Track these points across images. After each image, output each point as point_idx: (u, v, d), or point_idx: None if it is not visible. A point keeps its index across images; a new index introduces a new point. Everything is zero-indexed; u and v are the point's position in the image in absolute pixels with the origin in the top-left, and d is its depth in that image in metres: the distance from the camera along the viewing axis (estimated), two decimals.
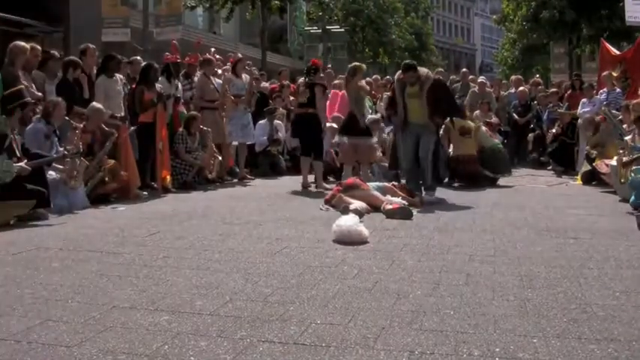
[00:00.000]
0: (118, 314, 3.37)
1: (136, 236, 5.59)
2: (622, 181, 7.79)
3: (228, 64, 11.20)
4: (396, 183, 7.88)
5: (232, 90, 10.37)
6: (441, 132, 10.02)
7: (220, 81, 10.54)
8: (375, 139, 9.56)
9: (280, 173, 11.39)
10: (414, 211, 6.84)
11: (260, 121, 11.44)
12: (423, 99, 7.91)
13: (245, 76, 10.87)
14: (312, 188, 9.19)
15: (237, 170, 10.78)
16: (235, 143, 10.73)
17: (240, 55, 11.56)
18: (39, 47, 8.53)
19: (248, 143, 10.91)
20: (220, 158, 10.05)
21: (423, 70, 8.19)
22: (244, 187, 9.86)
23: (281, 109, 12.24)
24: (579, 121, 11.25)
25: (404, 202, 7.08)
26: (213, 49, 12.71)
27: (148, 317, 3.32)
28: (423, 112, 7.93)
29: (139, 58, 10.41)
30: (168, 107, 9.50)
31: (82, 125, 7.72)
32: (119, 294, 3.75)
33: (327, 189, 8.72)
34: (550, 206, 7.58)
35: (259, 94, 11.84)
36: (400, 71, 8.21)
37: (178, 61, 10.41)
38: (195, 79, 10.64)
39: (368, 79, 15.26)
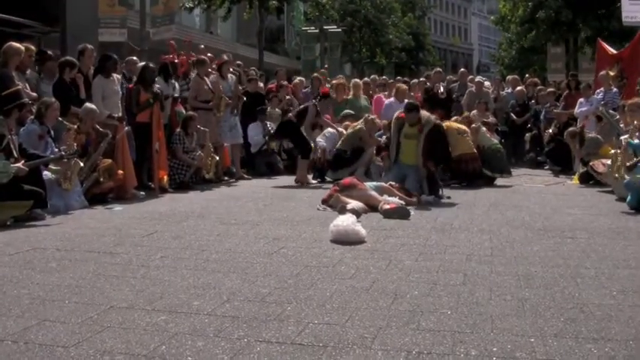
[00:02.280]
0: (116, 314, 3.37)
1: (133, 236, 5.59)
2: (616, 176, 7.80)
3: (214, 65, 11.19)
4: (393, 183, 7.88)
5: None
6: None
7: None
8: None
9: (277, 173, 11.38)
10: (412, 211, 6.84)
11: (252, 124, 11.44)
12: (421, 142, 8.10)
13: (231, 77, 10.88)
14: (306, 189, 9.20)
15: (234, 170, 10.79)
16: (227, 145, 10.76)
17: (225, 57, 11.56)
18: (33, 47, 8.51)
19: (241, 143, 10.97)
20: (217, 158, 10.05)
21: (424, 113, 8.36)
22: (241, 187, 9.86)
23: (277, 109, 12.24)
24: (566, 130, 11.15)
25: (401, 201, 7.09)
26: (202, 46, 12.70)
27: (146, 317, 3.32)
28: (416, 154, 8.13)
29: (134, 58, 10.39)
30: (165, 107, 9.50)
31: (75, 126, 7.71)
32: (116, 294, 3.75)
33: (309, 183, 9.38)
34: (547, 206, 7.59)
35: (255, 95, 11.83)
36: (401, 110, 8.38)
37: (176, 61, 10.41)
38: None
39: (365, 79, 15.33)
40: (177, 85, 10.16)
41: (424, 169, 8.12)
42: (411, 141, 8.17)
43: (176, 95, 10.04)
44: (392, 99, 12.17)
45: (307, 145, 9.95)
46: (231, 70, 11.32)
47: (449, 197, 8.07)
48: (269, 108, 11.95)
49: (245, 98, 11.23)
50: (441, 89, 13.45)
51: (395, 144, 8.29)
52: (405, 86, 12.52)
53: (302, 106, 10.48)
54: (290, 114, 10.42)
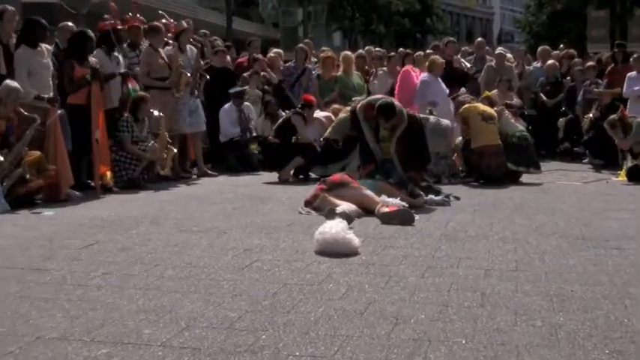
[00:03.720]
0: (44, 347, 3.33)
1: (68, 248, 5.55)
2: None
3: (170, 34, 11.16)
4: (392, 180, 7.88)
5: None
6: (454, 123, 10.15)
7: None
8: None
9: (251, 168, 11.36)
10: (416, 215, 6.84)
11: (224, 106, 11.41)
12: (393, 145, 8.06)
13: (191, 49, 10.83)
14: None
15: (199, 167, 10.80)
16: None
17: (185, 24, 11.52)
18: None
19: (203, 131, 11.01)
20: (175, 150, 10.01)
21: (398, 109, 8.07)
22: (205, 185, 9.83)
23: (256, 90, 12.22)
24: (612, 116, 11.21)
25: (403, 203, 7.09)
26: (161, 12, 12.61)
27: (83, 350, 3.29)
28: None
29: (69, 24, 10.30)
30: (111, 87, 9.44)
31: None
32: (45, 322, 3.72)
33: (287, 180, 9.63)
34: (586, 209, 7.62)
35: (222, 71, 11.80)
36: (367, 102, 8.33)
37: (119, 27, 10.34)
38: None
39: (360, 51, 15.34)
40: (121, 58, 10.07)
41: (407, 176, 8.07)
42: (387, 144, 8.19)
43: (122, 71, 9.96)
44: (426, 74, 11.97)
45: (308, 146, 10.16)
46: (191, 40, 11.27)
47: (458, 198, 8.09)
48: (247, 88, 11.96)
49: (208, 76, 11.20)
50: (466, 64, 13.54)
51: (377, 151, 8.21)
52: (440, 59, 12.43)
53: (280, 121, 10.56)
54: (269, 137, 10.52)
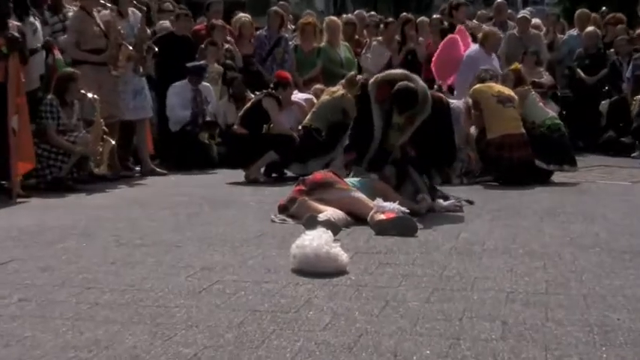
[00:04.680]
0: None
1: None
2: None
3: None
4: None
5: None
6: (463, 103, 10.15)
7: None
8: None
9: (210, 165, 11.40)
10: (419, 224, 6.85)
11: (175, 83, 11.38)
12: (407, 134, 7.94)
13: (133, 13, 10.76)
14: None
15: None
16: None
17: None
18: None
19: (150, 117, 11.05)
20: (113, 142, 9.95)
21: (420, 88, 7.85)
22: (152, 187, 9.85)
23: (216, 65, 12.19)
24: None
25: (403, 208, 7.04)
26: None
27: None
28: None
29: None
30: (34, 64, 9.40)
31: None
32: None
33: (257, 180, 9.80)
34: (635, 215, 7.66)
35: (183, 41, 11.78)
36: (380, 79, 8.13)
37: None
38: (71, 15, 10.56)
39: (349, 16, 15.34)
40: (39, 25, 9.97)
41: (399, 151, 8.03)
42: (396, 134, 8.07)
43: (47, 39, 9.91)
44: (475, 48, 12.04)
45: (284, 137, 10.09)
46: (134, 2, 11.23)
47: (472, 202, 8.12)
48: (209, 65, 11.99)
49: (156, 48, 11.10)
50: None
51: (379, 136, 8.10)
52: (497, 31, 12.42)
53: (249, 105, 10.50)
54: (234, 125, 10.50)
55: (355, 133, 8.40)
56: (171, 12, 13.09)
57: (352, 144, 8.31)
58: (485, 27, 12.60)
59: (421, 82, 8.04)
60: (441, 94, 8.65)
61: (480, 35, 12.24)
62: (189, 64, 11.49)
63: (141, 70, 10.69)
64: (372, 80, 8.28)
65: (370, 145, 8.06)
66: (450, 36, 12.46)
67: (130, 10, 10.85)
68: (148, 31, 11.30)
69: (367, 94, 8.14)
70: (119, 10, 10.60)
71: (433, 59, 12.05)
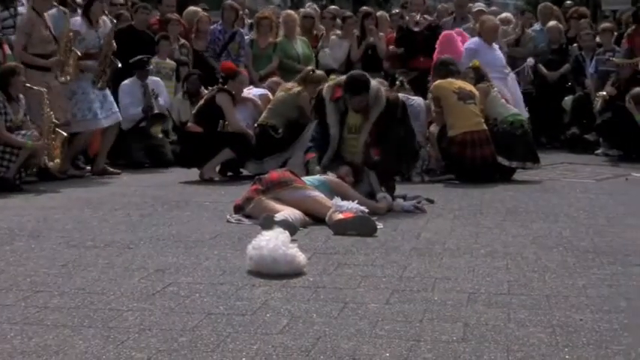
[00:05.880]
0: None
1: None
2: None
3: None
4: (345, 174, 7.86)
5: (79, 46, 10.25)
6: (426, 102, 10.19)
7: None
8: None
9: (163, 163, 11.37)
10: (379, 223, 6.87)
11: (124, 81, 11.32)
12: (365, 133, 8.01)
13: (104, 23, 10.63)
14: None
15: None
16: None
17: None
18: None
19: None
20: (65, 134, 9.82)
21: (372, 86, 8.04)
22: (104, 186, 9.79)
23: (168, 60, 12.12)
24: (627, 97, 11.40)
25: (362, 208, 7.07)
26: None
27: None
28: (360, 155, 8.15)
29: None
30: None
31: None
32: None
33: (212, 179, 9.87)
34: (599, 214, 7.72)
35: (142, 36, 11.72)
36: (337, 85, 8.21)
37: None
38: (22, 10, 10.44)
39: (306, 9, 15.30)
40: None
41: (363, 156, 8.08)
42: (357, 137, 8.12)
43: None
44: (475, 40, 11.98)
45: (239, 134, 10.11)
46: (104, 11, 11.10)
47: (432, 201, 8.13)
48: (155, 59, 11.93)
49: (118, 63, 10.91)
50: (417, 17, 13.52)
51: (336, 139, 8.15)
52: (496, 21, 12.39)
53: (202, 102, 10.43)
54: (189, 123, 10.47)
55: (315, 134, 8.47)
56: (123, 5, 12.94)
57: (312, 145, 8.34)
58: (483, 17, 12.49)
59: (376, 81, 8.30)
60: (397, 95, 8.64)
61: (477, 26, 12.23)
62: (131, 60, 11.41)
63: (100, 84, 10.48)
64: (326, 85, 8.46)
65: (329, 145, 8.13)
66: (444, 33, 12.47)
67: (102, 19, 10.66)
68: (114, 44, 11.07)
69: (323, 98, 8.28)
70: (89, 17, 10.42)
71: (434, 57, 11.99)
